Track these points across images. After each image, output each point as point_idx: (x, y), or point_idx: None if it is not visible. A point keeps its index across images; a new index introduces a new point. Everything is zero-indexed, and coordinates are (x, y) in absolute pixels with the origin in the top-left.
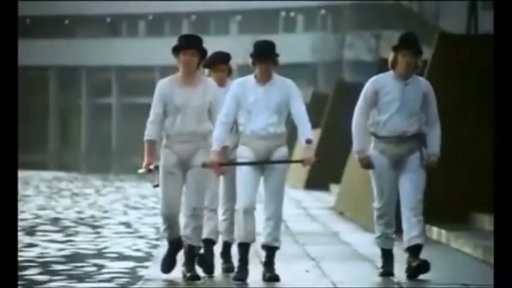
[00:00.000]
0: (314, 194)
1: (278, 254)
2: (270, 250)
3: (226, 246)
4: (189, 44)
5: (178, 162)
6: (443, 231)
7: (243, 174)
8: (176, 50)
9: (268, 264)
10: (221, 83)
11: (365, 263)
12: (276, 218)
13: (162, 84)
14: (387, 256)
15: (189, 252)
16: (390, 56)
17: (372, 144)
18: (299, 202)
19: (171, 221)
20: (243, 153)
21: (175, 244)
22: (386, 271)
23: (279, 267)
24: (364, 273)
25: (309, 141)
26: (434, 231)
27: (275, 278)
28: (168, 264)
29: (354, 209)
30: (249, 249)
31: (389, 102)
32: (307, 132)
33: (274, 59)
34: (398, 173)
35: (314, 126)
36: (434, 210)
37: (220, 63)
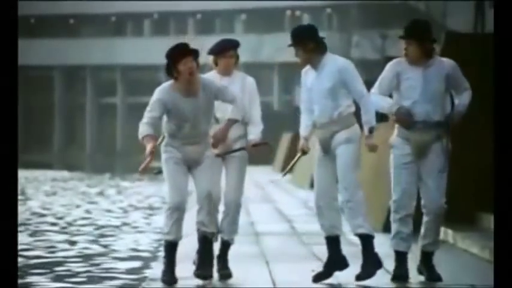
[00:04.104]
0: None
1: (283, 255)
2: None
3: (225, 247)
4: (188, 52)
5: (185, 159)
6: (450, 232)
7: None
8: (174, 60)
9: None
10: (228, 71)
11: None
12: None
13: (163, 93)
14: (400, 259)
15: (203, 241)
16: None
17: (395, 131)
18: (305, 202)
19: (179, 214)
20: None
21: (176, 246)
22: (398, 274)
23: (284, 268)
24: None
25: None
26: (441, 231)
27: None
28: (170, 272)
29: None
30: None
31: (411, 88)
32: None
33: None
34: (420, 163)
35: None
36: None
37: (228, 49)
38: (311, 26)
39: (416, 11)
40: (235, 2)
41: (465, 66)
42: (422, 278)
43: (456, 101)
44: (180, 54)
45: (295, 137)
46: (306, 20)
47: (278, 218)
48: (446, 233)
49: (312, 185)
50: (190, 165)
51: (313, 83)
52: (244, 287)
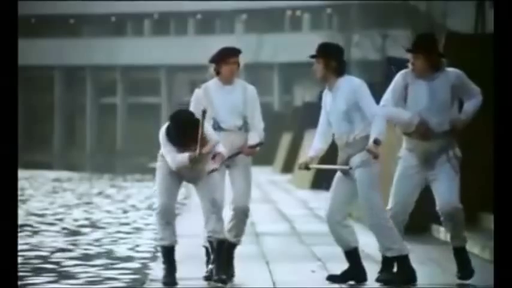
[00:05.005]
0: (321, 194)
1: (283, 255)
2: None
3: (231, 248)
4: (188, 135)
5: (179, 174)
6: None
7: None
8: (178, 138)
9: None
10: (230, 79)
11: (372, 263)
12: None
13: (165, 139)
14: (385, 264)
15: (218, 248)
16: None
17: (403, 143)
18: (305, 202)
19: (168, 217)
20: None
21: (172, 249)
22: (380, 278)
23: (284, 268)
24: (371, 274)
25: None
26: (442, 232)
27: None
28: (171, 275)
29: (361, 209)
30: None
31: (416, 100)
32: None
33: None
34: (427, 175)
35: None
36: None
37: (231, 56)
38: (339, 46)
39: (416, 11)
40: (235, 2)
41: (465, 66)
42: (422, 279)
43: (464, 107)
44: (184, 134)
45: (295, 137)
46: (306, 20)
47: (278, 218)
48: (446, 233)
49: (311, 186)
50: (189, 179)
51: (330, 105)
52: (244, 287)
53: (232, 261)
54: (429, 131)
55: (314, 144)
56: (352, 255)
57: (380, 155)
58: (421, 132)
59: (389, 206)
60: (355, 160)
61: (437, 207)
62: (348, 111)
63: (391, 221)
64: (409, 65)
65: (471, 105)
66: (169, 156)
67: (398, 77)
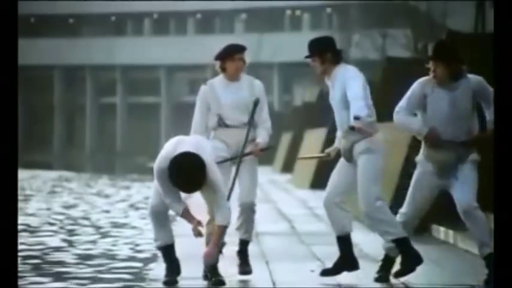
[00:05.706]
0: (320, 194)
1: (284, 254)
2: None
3: (243, 245)
4: (192, 183)
5: None
6: (450, 232)
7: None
8: (180, 183)
9: None
10: (237, 75)
11: (371, 263)
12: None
13: (167, 180)
14: (386, 262)
15: None
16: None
17: (421, 150)
18: (305, 202)
19: (161, 218)
20: None
21: (169, 249)
22: (382, 277)
23: (284, 268)
24: (370, 273)
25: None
26: (442, 232)
27: None
28: (171, 273)
29: (360, 208)
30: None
31: (437, 110)
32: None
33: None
34: (444, 182)
35: (321, 125)
36: (441, 210)
37: (236, 52)
38: (329, 37)
39: (416, 11)
40: (235, 2)
41: (467, 66)
42: (421, 279)
43: (487, 117)
44: (180, 173)
45: (295, 137)
46: (305, 19)
47: (278, 218)
48: (446, 233)
49: (311, 186)
50: None
51: (330, 95)
52: (244, 287)
53: (247, 258)
54: (438, 141)
55: (337, 135)
56: (345, 241)
57: (381, 148)
58: (429, 142)
59: (403, 209)
60: (361, 146)
61: (457, 206)
62: (344, 99)
63: (388, 209)
64: (430, 73)
65: (493, 112)
66: (168, 202)
67: (416, 86)
